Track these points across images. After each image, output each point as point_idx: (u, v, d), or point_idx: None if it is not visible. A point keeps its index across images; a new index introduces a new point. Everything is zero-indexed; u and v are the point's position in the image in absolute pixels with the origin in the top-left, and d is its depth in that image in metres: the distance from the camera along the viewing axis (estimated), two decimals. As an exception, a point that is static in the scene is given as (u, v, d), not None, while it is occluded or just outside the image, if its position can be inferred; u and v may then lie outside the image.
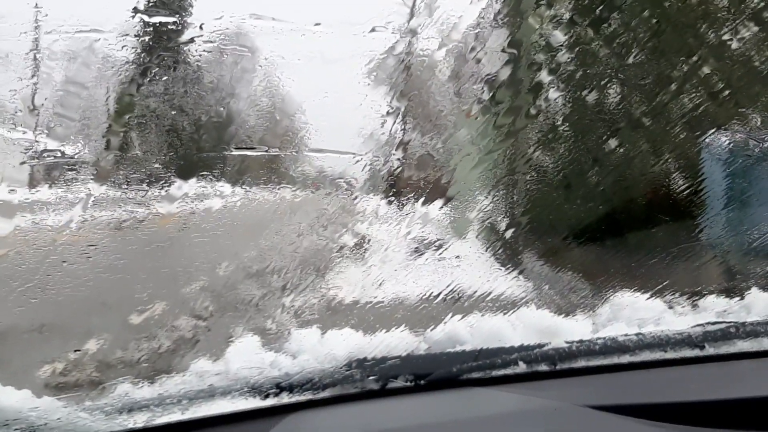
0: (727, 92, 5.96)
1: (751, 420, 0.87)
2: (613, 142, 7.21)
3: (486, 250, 7.14)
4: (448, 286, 6.09)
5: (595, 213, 7.58)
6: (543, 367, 1.02)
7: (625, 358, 1.04)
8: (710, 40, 6.44)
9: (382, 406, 0.96)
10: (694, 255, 6.20)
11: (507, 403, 0.94)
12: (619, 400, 0.91)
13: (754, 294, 1.30)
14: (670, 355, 1.05)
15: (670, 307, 1.26)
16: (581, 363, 1.03)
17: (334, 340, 1.39)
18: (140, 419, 0.95)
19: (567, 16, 7.48)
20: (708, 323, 1.14)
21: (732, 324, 1.13)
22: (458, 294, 5.85)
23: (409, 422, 0.91)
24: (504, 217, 7.21)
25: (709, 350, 1.07)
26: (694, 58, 6.10)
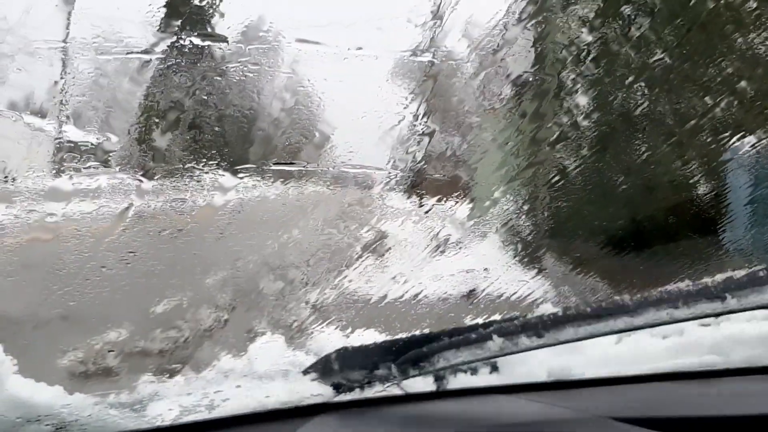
0: (758, 99, 5.91)
1: None
2: (640, 148, 7.17)
3: (510, 255, 7.13)
4: (472, 291, 6.12)
5: (621, 220, 7.55)
6: (570, 375, 1.02)
7: (650, 369, 1.03)
8: (742, 46, 6.39)
9: (405, 411, 0.97)
10: (720, 264, 6.15)
11: (529, 411, 0.95)
12: (643, 412, 0.91)
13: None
14: (696, 367, 1.04)
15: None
16: (605, 372, 1.03)
17: (358, 341, 1.40)
18: (168, 417, 0.97)
19: (594, 17, 7.46)
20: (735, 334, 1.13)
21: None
22: (482, 298, 5.88)
23: (431, 428, 0.92)
24: (529, 222, 7.18)
25: (739, 362, 1.06)
26: (726, 64, 6.06)
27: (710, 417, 0.91)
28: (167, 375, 1.15)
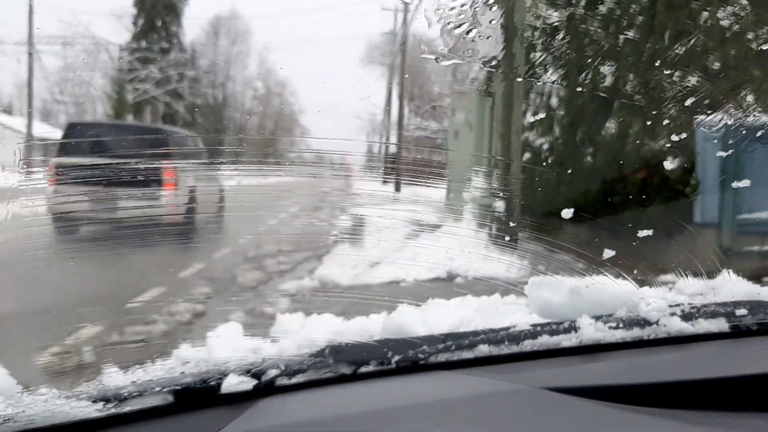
0: (722, 72, 5.97)
1: (702, 401, 0.90)
2: (607, 122, 7.24)
3: (481, 232, 7.18)
4: (450, 273, 6.14)
5: (587, 193, 7.63)
6: (507, 350, 1.04)
7: (588, 340, 1.06)
8: (705, 19, 6.45)
9: (353, 391, 0.99)
10: (682, 236, 6.24)
11: (469, 386, 0.96)
12: (575, 382, 0.93)
13: (725, 275, 1.32)
14: (629, 336, 1.07)
15: (640, 288, 1.27)
16: (544, 345, 1.05)
17: (315, 324, 1.41)
18: (120, 405, 0.97)
19: (561, -5, 7.49)
20: (672, 305, 1.15)
21: (696, 306, 1.15)
22: (448, 277, 5.88)
23: (377, 406, 0.94)
24: (499, 198, 7.25)
25: (671, 332, 1.09)
26: (689, 37, 6.11)
27: (641, 384, 0.94)
28: (123, 361, 1.15)
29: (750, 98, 5.90)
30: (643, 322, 1.09)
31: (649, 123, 6.84)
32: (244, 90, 45.19)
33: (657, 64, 6.56)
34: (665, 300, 1.19)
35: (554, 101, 8.40)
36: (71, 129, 10.45)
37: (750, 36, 5.84)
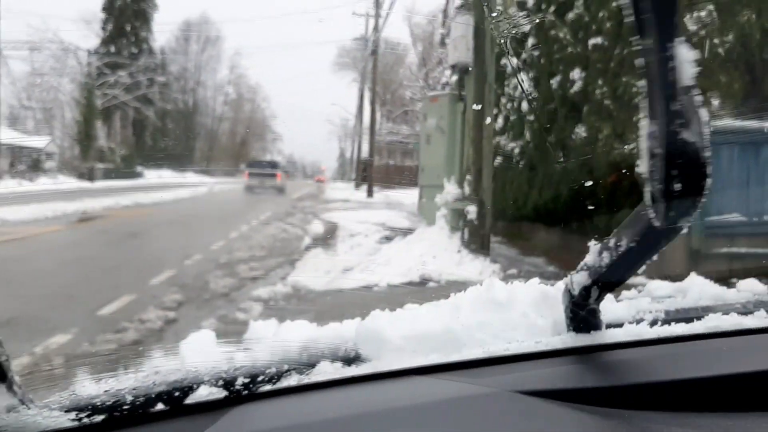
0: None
1: (671, 402, 0.91)
2: (576, 127, 7.31)
3: (453, 236, 7.21)
4: (423, 276, 6.15)
5: (558, 197, 7.69)
6: (480, 354, 1.05)
7: (559, 344, 1.07)
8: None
9: (327, 397, 0.99)
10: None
11: (443, 390, 0.97)
12: (548, 385, 0.94)
13: (693, 277, 1.33)
14: (599, 340, 1.08)
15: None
16: (517, 349, 1.06)
17: (289, 331, 1.40)
18: (92, 415, 0.96)
19: (531, 1, 7.56)
20: (642, 308, 1.17)
21: (665, 308, 1.16)
22: (421, 281, 5.88)
23: (351, 412, 0.94)
24: (471, 202, 7.29)
25: (640, 335, 1.10)
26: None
27: (612, 387, 0.95)
28: (94, 371, 1.14)
29: (716, 103, 5.99)
30: (613, 325, 1.10)
31: (618, 127, 6.93)
32: (215, 96, 44.83)
33: (625, 70, 6.65)
34: (634, 302, 1.21)
35: (525, 106, 8.46)
36: (252, 161, 32.75)
37: (716, 41, 5.95)
